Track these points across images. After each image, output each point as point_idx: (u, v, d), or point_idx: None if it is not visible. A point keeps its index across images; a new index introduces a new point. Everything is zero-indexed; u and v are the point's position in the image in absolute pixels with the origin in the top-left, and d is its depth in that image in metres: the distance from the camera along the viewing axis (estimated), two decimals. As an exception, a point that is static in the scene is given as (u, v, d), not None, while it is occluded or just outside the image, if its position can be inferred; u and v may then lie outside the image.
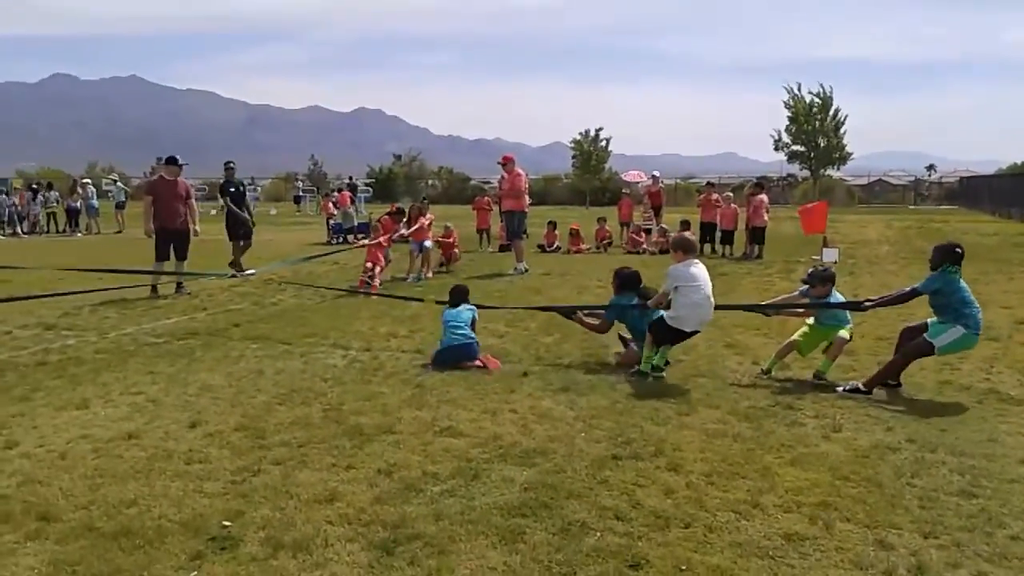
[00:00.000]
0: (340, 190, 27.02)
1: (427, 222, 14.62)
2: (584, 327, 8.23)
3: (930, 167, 74.40)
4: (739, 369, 7.32)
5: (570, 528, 4.04)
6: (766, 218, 18.08)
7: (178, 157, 12.74)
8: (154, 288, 11.99)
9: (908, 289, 6.87)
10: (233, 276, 13.35)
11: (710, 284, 7.19)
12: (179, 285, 12.28)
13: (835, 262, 16.02)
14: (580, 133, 57.77)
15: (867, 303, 7.26)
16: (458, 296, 8.19)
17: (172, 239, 12.24)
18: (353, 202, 35.84)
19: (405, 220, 14.70)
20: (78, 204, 28.18)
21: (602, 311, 8.24)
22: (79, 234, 27.00)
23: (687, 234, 7.68)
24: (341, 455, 5.07)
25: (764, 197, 18.52)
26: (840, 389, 6.56)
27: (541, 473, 4.77)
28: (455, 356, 7.51)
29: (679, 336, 7.17)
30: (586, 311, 8.49)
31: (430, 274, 14.23)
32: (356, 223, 24.23)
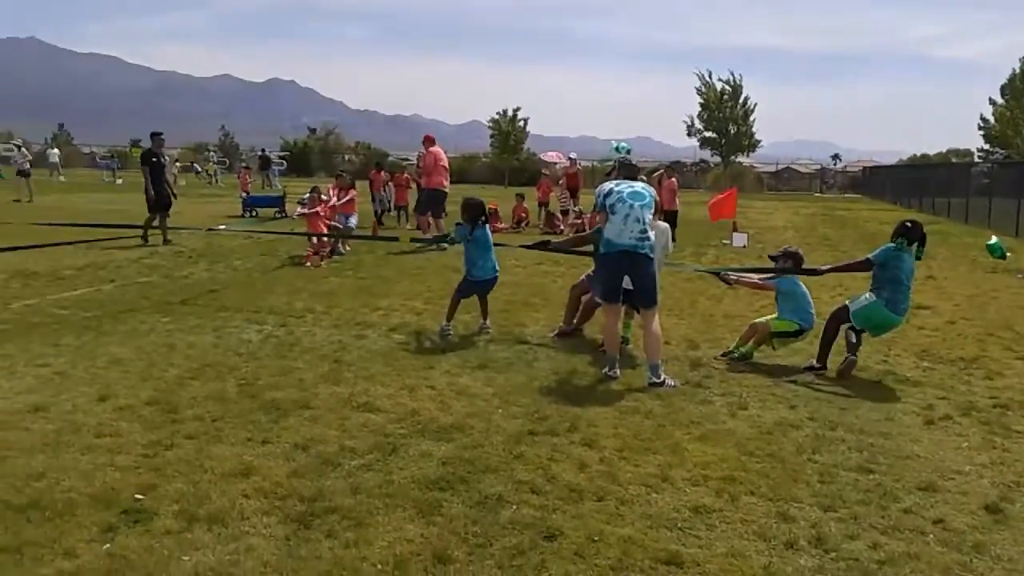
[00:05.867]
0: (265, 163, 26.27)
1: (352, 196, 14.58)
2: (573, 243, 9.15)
3: (835, 156, 77.06)
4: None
5: (487, 501, 4.12)
6: (677, 203, 18.43)
7: None
8: None
9: (862, 258, 7.25)
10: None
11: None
12: None
13: (744, 246, 16.53)
14: (498, 112, 57.71)
15: (823, 268, 7.81)
16: (478, 211, 8.20)
17: None
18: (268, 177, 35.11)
19: (336, 190, 14.56)
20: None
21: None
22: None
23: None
24: (257, 429, 5.03)
25: (674, 181, 18.86)
26: (804, 368, 6.89)
27: (459, 448, 4.83)
28: (486, 288, 8.08)
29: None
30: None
31: (348, 247, 13.99)
32: (273, 196, 23.83)
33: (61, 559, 3.44)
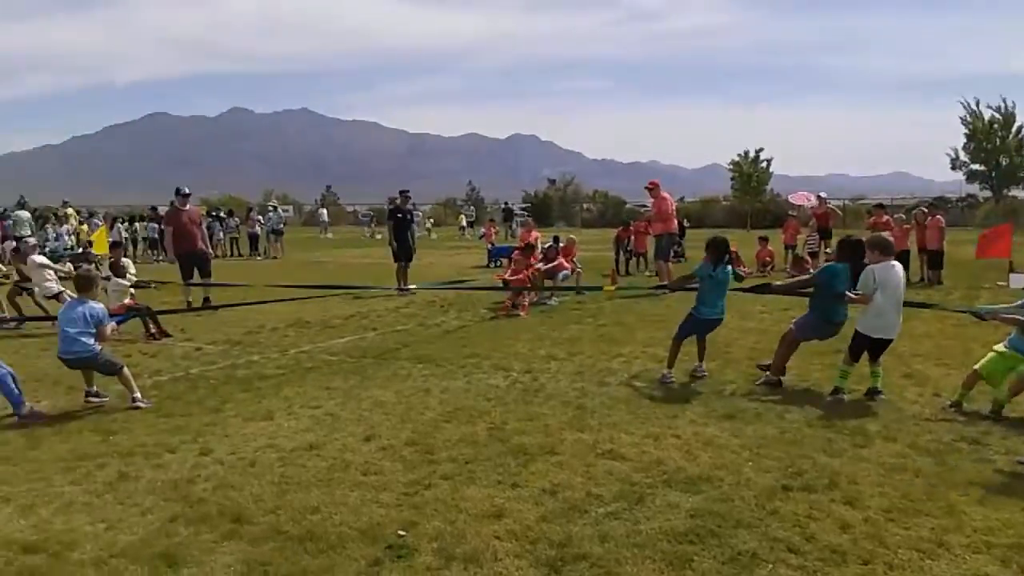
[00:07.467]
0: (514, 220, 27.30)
1: (570, 256, 15.16)
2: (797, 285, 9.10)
3: None
4: (919, 400, 6.92)
5: (740, 558, 3.97)
6: (943, 242, 17.01)
7: (185, 188, 13.81)
8: None
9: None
10: (401, 292, 14.88)
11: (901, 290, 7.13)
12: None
13: (1023, 289, 14.91)
14: (739, 154, 56.35)
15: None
16: (723, 249, 7.95)
17: (194, 261, 13.49)
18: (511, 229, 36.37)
19: (542, 256, 14.86)
20: (256, 229, 30.03)
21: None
22: (258, 258, 28.68)
23: (885, 233, 7.80)
24: (507, 473, 5.18)
25: (940, 218, 17.44)
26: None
27: (707, 501, 4.70)
28: (709, 329, 8.03)
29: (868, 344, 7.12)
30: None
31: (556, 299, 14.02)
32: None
33: (333, 589, 3.70)
